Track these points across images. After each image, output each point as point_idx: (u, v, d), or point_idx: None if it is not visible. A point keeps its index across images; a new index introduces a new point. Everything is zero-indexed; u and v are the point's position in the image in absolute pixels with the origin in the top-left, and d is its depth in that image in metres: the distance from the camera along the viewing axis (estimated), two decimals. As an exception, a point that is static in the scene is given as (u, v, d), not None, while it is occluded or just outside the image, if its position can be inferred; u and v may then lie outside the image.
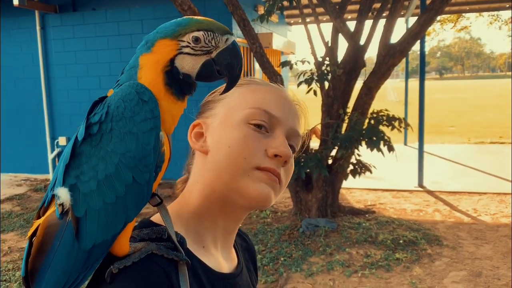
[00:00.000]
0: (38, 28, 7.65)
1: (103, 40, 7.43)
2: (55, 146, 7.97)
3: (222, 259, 0.77)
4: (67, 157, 0.60)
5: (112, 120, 0.59)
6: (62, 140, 7.91)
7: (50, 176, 7.96)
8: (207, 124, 0.76)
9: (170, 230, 0.66)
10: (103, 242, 0.59)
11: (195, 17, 0.64)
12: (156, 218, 0.73)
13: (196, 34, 0.62)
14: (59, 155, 7.98)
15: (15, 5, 6.89)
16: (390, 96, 25.12)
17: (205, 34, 0.62)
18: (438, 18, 12.36)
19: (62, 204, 0.59)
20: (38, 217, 0.63)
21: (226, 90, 0.67)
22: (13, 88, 8.06)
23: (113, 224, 0.59)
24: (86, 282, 0.65)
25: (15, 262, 4.42)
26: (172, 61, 0.62)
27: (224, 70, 0.64)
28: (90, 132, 0.59)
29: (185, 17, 0.64)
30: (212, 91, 0.82)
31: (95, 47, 7.48)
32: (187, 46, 0.62)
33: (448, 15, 12.26)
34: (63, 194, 0.59)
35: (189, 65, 0.63)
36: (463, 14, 12.09)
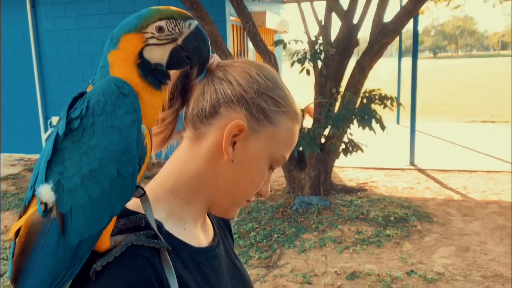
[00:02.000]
0: (28, 6, 7.54)
1: (95, 18, 7.34)
2: (49, 126, 7.95)
3: (201, 235, 0.80)
4: (48, 153, 0.59)
5: (93, 114, 0.58)
6: (55, 120, 7.89)
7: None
8: (245, 134, 0.72)
9: (150, 220, 0.67)
10: (90, 237, 0.60)
11: (155, 7, 0.64)
12: (131, 204, 0.73)
13: (158, 23, 0.62)
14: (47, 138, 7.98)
15: (5, -18, 6.79)
16: (384, 75, 25.12)
17: (167, 22, 0.62)
18: (432, -4, 12.30)
19: (45, 203, 0.59)
20: (20, 218, 0.63)
21: (198, 74, 0.70)
22: (5, 68, 7.99)
23: (100, 218, 0.59)
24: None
25: (11, 241, 4.46)
26: (141, 54, 0.62)
27: (193, 54, 0.65)
28: (71, 127, 0.59)
29: (149, 8, 0.64)
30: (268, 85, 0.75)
31: (87, 25, 7.40)
32: (152, 37, 0.62)
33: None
34: (46, 192, 0.59)
35: (157, 55, 0.63)
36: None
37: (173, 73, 0.74)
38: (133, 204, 0.72)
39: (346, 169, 6.68)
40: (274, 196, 5.47)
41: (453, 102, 15.29)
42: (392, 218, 4.63)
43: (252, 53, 8.22)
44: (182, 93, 0.76)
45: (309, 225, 4.57)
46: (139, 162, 0.61)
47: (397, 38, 10.46)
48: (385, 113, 4.93)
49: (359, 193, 5.49)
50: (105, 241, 0.63)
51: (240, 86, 0.72)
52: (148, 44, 0.62)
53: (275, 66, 4.94)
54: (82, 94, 0.62)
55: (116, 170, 0.59)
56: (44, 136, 7.94)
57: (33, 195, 0.61)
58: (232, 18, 7.12)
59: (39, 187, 0.59)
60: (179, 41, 0.64)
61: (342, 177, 6.35)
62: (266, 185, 0.78)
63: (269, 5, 9.42)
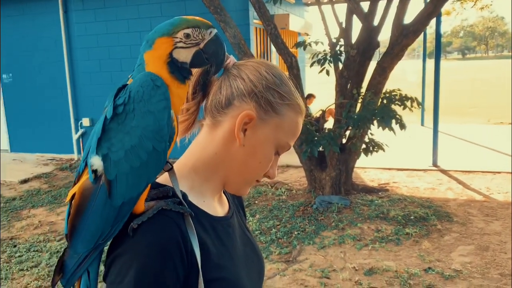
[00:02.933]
0: (61, 12, 7.89)
1: (124, 23, 7.62)
2: (79, 127, 8.28)
3: (218, 206, 0.94)
4: (98, 132, 0.74)
5: (133, 101, 0.73)
6: (85, 121, 8.21)
7: (74, 155, 8.29)
8: (254, 123, 0.85)
9: (176, 190, 0.83)
10: (130, 200, 0.74)
11: (184, 17, 0.80)
12: (160, 179, 0.87)
13: (186, 31, 0.77)
14: (83, 135, 8.29)
15: (39, -10, 7.13)
16: (410, 77, 24.84)
17: (193, 30, 0.77)
18: (458, -4, 12.16)
19: (95, 171, 0.74)
20: (74, 185, 0.78)
21: (214, 72, 0.85)
22: (38, 72, 8.36)
23: (138, 184, 0.74)
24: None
25: (45, 235, 4.71)
26: (170, 54, 0.77)
27: (211, 56, 0.80)
28: (116, 112, 0.74)
29: (179, 17, 0.80)
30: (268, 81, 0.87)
31: (116, 30, 7.68)
32: (180, 41, 0.77)
33: (469, -6, 12.03)
34: (97, 162, 0.73)
35: (183, 56, 0.78)
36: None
37: (196, 71, 0.89)
38: (162, 178, 0.88)
39: (368, 170, 6.73)
40: (295, 195, 5.58)
41: (482, 103, 15.04)
42: (412, 217, 4.67)
43: (275, 55, 8.35)
44: (203, 88, 0.90)
45: (329, 223, 4.66)
46: (169, 140, 0.77)
47: (422, 40, 10.44)
48: (410, 115, 4.97)
49: (380, 193, 5.54)
50: (140, 205, 0.78)
51: (251, 81, 0.86)
52: (176, 47, 0.77)
53: (296, 67, 5.07)
54: (124, 86, 0.78)
55: (152, 146, 0.74)
56: (75, 136, 8.26)
57: (85, 167, 0.77)
58: (255, 21, 7.27)
59: (91, 158, 0.74)
60: (201, 46, 0.79)
61: (363, 178, 6.40)
62: (273, 168, 0.92)
63: (292, 8, 9.54)
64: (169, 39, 0.77)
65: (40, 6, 8.05)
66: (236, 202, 1.07)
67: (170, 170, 0.85)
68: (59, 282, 0.79)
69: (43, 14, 8.10)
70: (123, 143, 0.73)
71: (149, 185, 0.79)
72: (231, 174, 0.90)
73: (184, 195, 0.84)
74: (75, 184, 0.78)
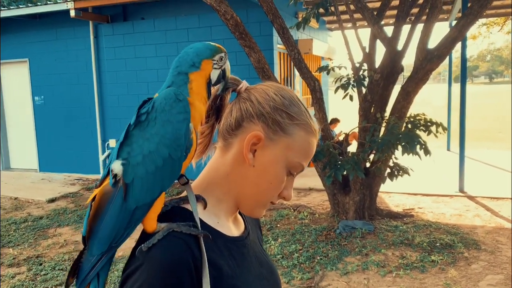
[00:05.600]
0: (91, 37, 8.19)
1: (151, 48, 7.84)
2: (106, 148, 8.46)
3: (232, 227, 0.96)
4: (121, 138, 0.80)
5: (156, 111, 0.80)
6: (112, 143, 8.38)
7: (100, 176, 8.44)
8: (263, 143, 0.87)
9: (192, 203, 0.85)
10: (143, 205, 0.79)
11: (214, 44, 0.89)
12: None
13: (221, 54, 0.87)
14: (109, 156, 8.45)
15: (72, 16, 7.43)
16: (436, 101, 24.56)
17: (224, 55, 0.88)
18: (484, 21, 12.08)
19: (115, 175, 0.79)
20: (96, 188, 0.85)
21: (222, 91, 0.91)
22: (68, 94, 8.64)
23: (152, 189, 0.79)
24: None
25: (70, 254, 4.79)
26: (209, 74, 0.86)
27: (225, 77, 0.90)
28: (139, 120, 0.80)
29: (209, 43, 0.88)
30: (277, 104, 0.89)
31: (144, 54, 7.91)
32: (216, 63, 0.87)
33: (495, 18, 11.94)
34: (117, 166, 0.79)
35: (214, 76, 0.87)
36: (511, 16, 11.74)
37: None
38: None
39: (392, 195, 6.63)
40: (318, 219, 5.53)
41: (510, 128, 14.69)
42: (438, 244, 4.56)
43: (298, 79, 8.41)
44: (216, 112, 0.95)
45: (352, 248, 4.59)
46: (185, 150, 0.81)
47: (447, 64, 10.36)
48: (436, 140, 4.89)
49: (405, 219, 5.44)
50: (153, 223, 0.82)
51: (259, 103, 0.89)
52: (214, 68, 0.87)
53: (319, 91, 5.10)
54: (150, 98, 0.85)
55: (168, 153, 0.79)
56: (101, 157, 8.44)
57: (108, 173, 0.82)
58: (279, 46, 7.37)
59: (113, 163, 0.80)
60: (223, 68, 0.89)
61: (388, 202, 6.31)
62: (287, 189, 0.93)
63: (316, 33, 9.64)
64: (211, 61, 0.86)
65: (72, 31, 8.37)
66: (254, 222, 1.08)
67: (186, 184, 0.88)
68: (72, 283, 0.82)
69: (74, 39, 8.41)
70: (142, 148, 0.79)
71: (163, 196, 0.82)
72: (244, 195, 0.92)
73: (203, 199, 0.88)
74: (97, 187, 0.84)
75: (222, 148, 0.92)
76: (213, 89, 0.92)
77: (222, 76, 0.89)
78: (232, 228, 0.95)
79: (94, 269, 0.79)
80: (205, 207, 0.88)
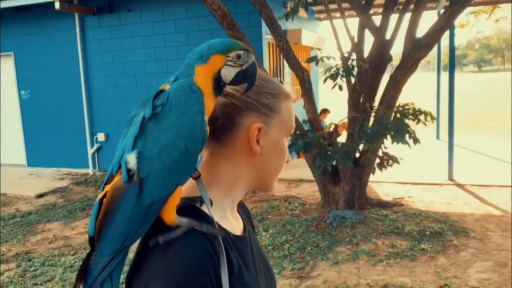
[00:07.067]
0: (77, 29, 8.07)
1: (138, 40, 7.75)
2: (94, 142, 8.38)
3: (235, 223, 0.95)
4: (136, 131, 0.76)
5: (171, 103, 0.76)
6: (100, 136, 8.31)
7: (89, 170, 8.38)
8: (263, 130, 0.89)
9: (205, 198, 0.84)
10: (159, 200, 0.75)
11: (236, 41, 0.85)
12: (184, 192, 0.89)
13: (238, 52, 0.82)
14: (98, 150, 8.39)
15: (57, 8, 7.31)
16: (425, 90, 24.67)
17: (243, 53, 0.83)
18: (472, 9, 12.09)
19: (130, 169, 0.75)
20: (105, 185, 0.80)
21: (244, 92, 0.87)
22: (55, 87, 8.53)
23: (168, 184, 0.76)
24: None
25: (59, 249, 4.75)
26: (219, 70, 0.82)
27: (248, 78, 0.85)
28: (154, 112, 0.77)
29: (229, 39, 0.85)
30: (260, 89, 0.90)
31: (131, 46, 7.81)
32: (231, 60, 0.82)
33: (483, 6, 11.97)
34: (132, 160, 0.75)
35: (228, 73, 0.83)
36: (499, 4, 11.78)
37: None
38: (185, 192, 0.88)
39: (382, 184, 6.66)
40: (308, 210, 5.54)
41: (500, 116, 14.83)
42: (427, 233, 4.59)
43: (288, 70, 8.39)
44: None
45: (342, 238, 4.61)
46: (201, 142, 0.79)
47: (436, 53, 10.39)
48: (425, 128, 4.91)
49: (394, 208, 5.47)
50: (172, 214, 0.79)
51: (241, 94, 0.88)
52: (227, 65, 0.83)
53: (308, 82, 5.08)
54: (161, 91, 0.81)
55: (185, 145, 0.76)
56: (90, 151, 8.36)
57: (118, 168, 0.78)
58: (268, 36, 7.32)
59: (127, 156, 0.76)
60: (244, 67, 0.84)
61: (378, 192, 6.34)
62: (287, 152, 0.97)
63: (305, 23, 9.59)
64: (223, 57, 0.82)
65: (57, 24, 8.24)
66: (246, 217, 1.07)
67: (198, 178, 0.87)
68: None
69: (60, 31, 8.28)
70: (157, 141, 0.76)
71: (180, 190, 0.80)
72: (258, 180, 0.94)
73: (211, 201, 0.86)
74: (105, 185, 0.79)
75: (217, 149, 0.90)
76: (230, 88, 0.88)
77: (244, 76, 0.84)
78: (235, 224, 0.95)
79: (105, 270, 0.75)
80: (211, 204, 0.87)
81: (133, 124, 0.80)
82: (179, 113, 0.77)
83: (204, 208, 0.86)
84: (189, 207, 0.85)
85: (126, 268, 0.80)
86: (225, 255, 0.80)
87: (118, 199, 0.75)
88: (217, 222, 0.85)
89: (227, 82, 0.83)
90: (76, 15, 7.96)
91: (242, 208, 1.05)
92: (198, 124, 0.78)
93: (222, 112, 0.87)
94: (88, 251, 0.78)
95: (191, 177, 0.85)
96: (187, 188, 0.88)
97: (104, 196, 0.77)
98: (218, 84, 0.83)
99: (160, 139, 0.76)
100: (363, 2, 5.19)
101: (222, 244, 0.81)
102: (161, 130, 0.76)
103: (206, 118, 0.80)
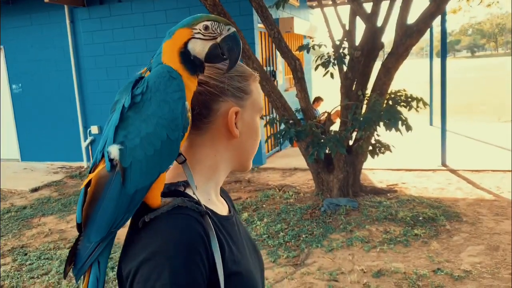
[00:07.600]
0: (67, 22, 7.99)
1: (130, 31, 7.69)
2: (88, 135, 8.35)
3: (220, 204, 0.97)
4: (116, 121, 0.76)
5: (151, 91, 0.76)
6: (94, 129, 8.28)
7: (84, 163, 8.36)
8: (240, 113, 0.90)
9: (190, 181, 0.86)
10: (143, 188, 0.76)
11: (209, 14, 0.82)
12: (169, 177, 0.91)
13: (205, 23, 0.79)
14: (91, 143, 8.37)
15: (46, 1, 7.23)
16: (418, 76, 24.71)
17: (212, 23, 0.79)
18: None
19: (112, 159, 0.75)
20: (90, 173, 0.80)
21: (228, 69, 0.86)
22: (47, 81, 8.46)
23: (151, 172, 0.77)
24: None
25: (55, 242, 4.76)
26: (186, 44, 0.79)
27: (226, 52, 0.81)
28: (134, 101, 0.76)
29: (199, 14, 0.82)
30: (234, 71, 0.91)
31: (122, 38, 7.75)
32: (198, 33, 0.79)
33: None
34: (114, 150, 0.75)
35: (199, 47, 0.79)
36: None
37: None
38: (170, 176, 0.91)
39: (376, 171, 6.70)
40: (303, 198, 5.57)
41: (492, 101, 14.90)
42: (420, 218, 4.64)
43: (280, 59, 8.36)
44: None
45: (337, 225, 4.65)
46: (183, 130, 0.79)
47: (428, 39, 10.38)
48: (418, 115, 4.93)
49: (388, 194, 5.51)
50: (157, 199, 0.81)
51: (214, 80, 0.89)
52: (194, 37, 0.79)
53: (300, 70, 5.07)
54: (141, 78, 0.81)
55: (166, 134, 0.76)
56: (84, 144, 8.33)
57: (102, 157, 0.79)
58: (260, 25, 7.28)
59: (109, 147, 0.76)
60: (218, 40, 0.81)
61: (372, 179, 6.37)
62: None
63: (297, 11, 9.55)
64: (188, 30, 0.79)
65: (47, 16, 8.15)
66: (229, 201, 1.09)
67: (184, 162, 0.87)
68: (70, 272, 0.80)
69: (50, 24, 8.20)
70: (139, 131, 0.75)
71: (164, 176, 0.80)
72: (237, 161, 0.96)
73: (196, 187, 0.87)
74: (90, 173, 0.80)
75: (197, 137, 0.91)
76: (203, 76, 0.87)
77: (222, 50, 0.80)
78: (220, 206, 0.96)
79: (93, 255, 0.77)
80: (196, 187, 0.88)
81: (116, 110, 0.79)
82: (159, 101, 0.76)
83: (189, 191, 0.87)
84: (173, 192, 0.87)
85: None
86: (215, 233, 0.81)
87: (102, 188, 0.76)
88: (204, 205, 0.86)
89: (200, 57, 0.80)
90: (66, 7, 7.87)
91: (223, 193, 1.07)
92: (179, 112, 0.77)
93: (198, 100, 0.87)
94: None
95: (176, 161, 0.86)
96: (169, 175, 0.90)
97: (88, 184, 0.78)
98: (189, 59, 0.80)
99: (141, 129, 0.76)
100: (354, -11, 5.17)
101: (211, 223, 0.82)
102: (141, 120, 0.76)
103: (188, 104, 0.79)
